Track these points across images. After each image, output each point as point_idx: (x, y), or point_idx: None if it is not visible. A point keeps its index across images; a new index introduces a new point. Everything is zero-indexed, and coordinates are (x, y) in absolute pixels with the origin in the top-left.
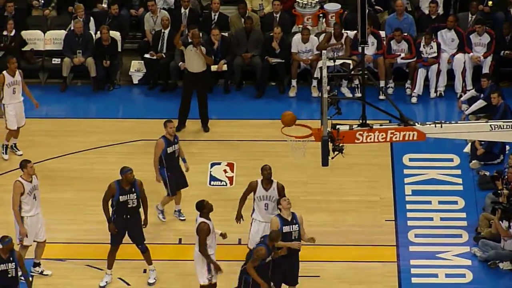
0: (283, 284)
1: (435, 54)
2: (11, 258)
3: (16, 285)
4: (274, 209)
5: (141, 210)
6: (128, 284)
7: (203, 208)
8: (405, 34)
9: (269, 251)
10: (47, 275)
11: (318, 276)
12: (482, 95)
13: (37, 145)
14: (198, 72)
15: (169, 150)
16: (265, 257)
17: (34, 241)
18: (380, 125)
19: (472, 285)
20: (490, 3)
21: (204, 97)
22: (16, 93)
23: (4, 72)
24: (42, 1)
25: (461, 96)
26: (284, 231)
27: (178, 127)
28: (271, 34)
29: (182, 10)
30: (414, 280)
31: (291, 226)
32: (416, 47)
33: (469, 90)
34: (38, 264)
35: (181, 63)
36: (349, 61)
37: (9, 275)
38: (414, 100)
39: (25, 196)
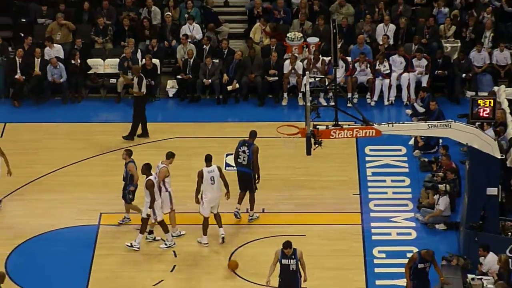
0: None
1: (388, 71)
2: None
3: None
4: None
5: None
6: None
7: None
8: (367, 58)
9: (420, 259)
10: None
11: (304, 235)
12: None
13: (98, 143)
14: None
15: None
16: (415, 262)
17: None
18: (348, 125)
19: (416, 240)
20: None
21: (135, 116)
22: None
23: None
24: (102, 38)
25: (407, 104)
26: (282, 263)
27: (142, 134)
28: (269, 59)
29: (204, 46)
30: (374, 237)
31: (289, 260)
32: (373, 67)
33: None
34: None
35: (204, 79)
36: (325, 78)
37: None
38: (372, 103)
39: (168, 178)
